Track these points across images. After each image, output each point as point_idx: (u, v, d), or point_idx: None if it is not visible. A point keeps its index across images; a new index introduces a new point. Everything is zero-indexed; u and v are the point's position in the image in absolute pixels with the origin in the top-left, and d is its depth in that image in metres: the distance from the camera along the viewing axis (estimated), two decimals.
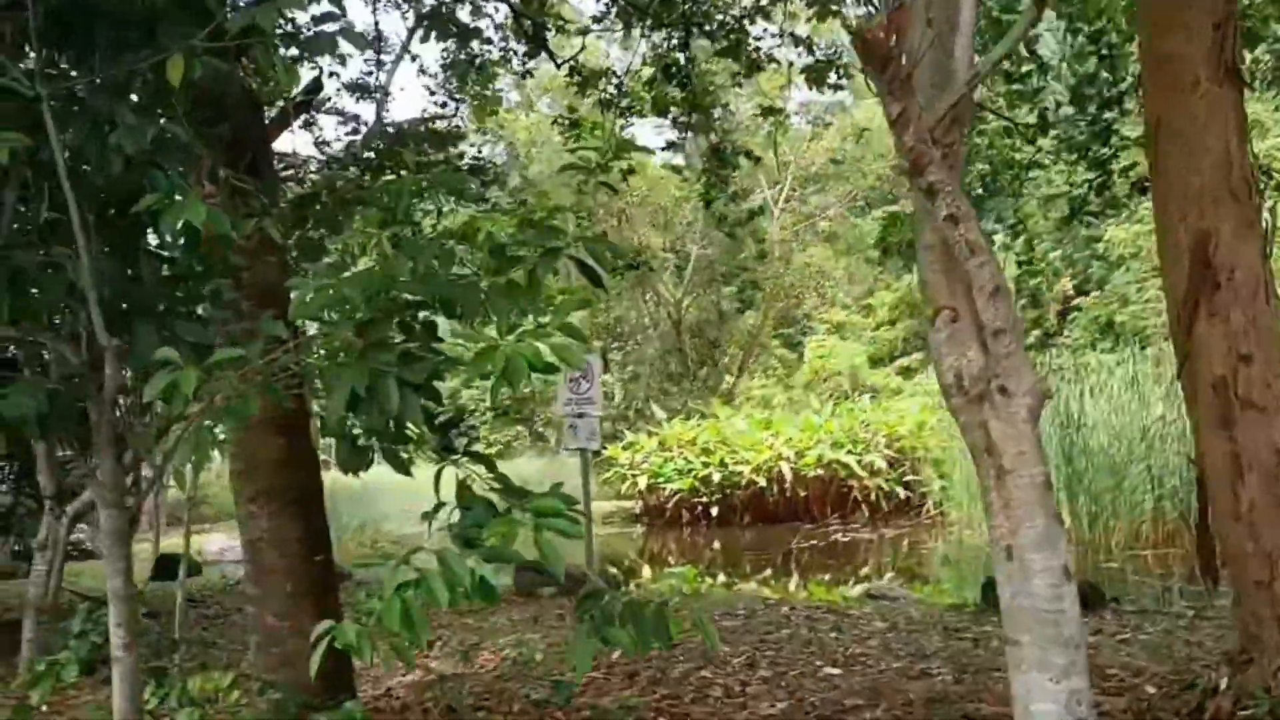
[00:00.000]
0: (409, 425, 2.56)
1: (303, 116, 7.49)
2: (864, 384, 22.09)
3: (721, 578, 11.47)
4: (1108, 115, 8.04)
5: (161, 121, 2.71)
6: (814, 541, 13.89)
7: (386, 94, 9.05)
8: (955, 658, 5.52)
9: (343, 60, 8.41)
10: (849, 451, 16.06)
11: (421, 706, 4.73)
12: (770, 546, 13.45)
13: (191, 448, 2.35)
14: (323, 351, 2.53)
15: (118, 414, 2.88)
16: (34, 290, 2.88)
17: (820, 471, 15.86)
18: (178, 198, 2.48)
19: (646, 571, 12.68)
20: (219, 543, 13.05)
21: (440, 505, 2.55)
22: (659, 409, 19.28)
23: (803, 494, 15.94)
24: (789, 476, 15.75)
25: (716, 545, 14.47)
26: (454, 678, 5.62)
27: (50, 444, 7.02)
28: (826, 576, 11.30)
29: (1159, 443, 11.13)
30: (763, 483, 15.78)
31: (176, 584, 10.61)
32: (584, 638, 2.60)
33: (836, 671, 5.34)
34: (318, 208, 3.74)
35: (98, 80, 2.70)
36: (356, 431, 2.61)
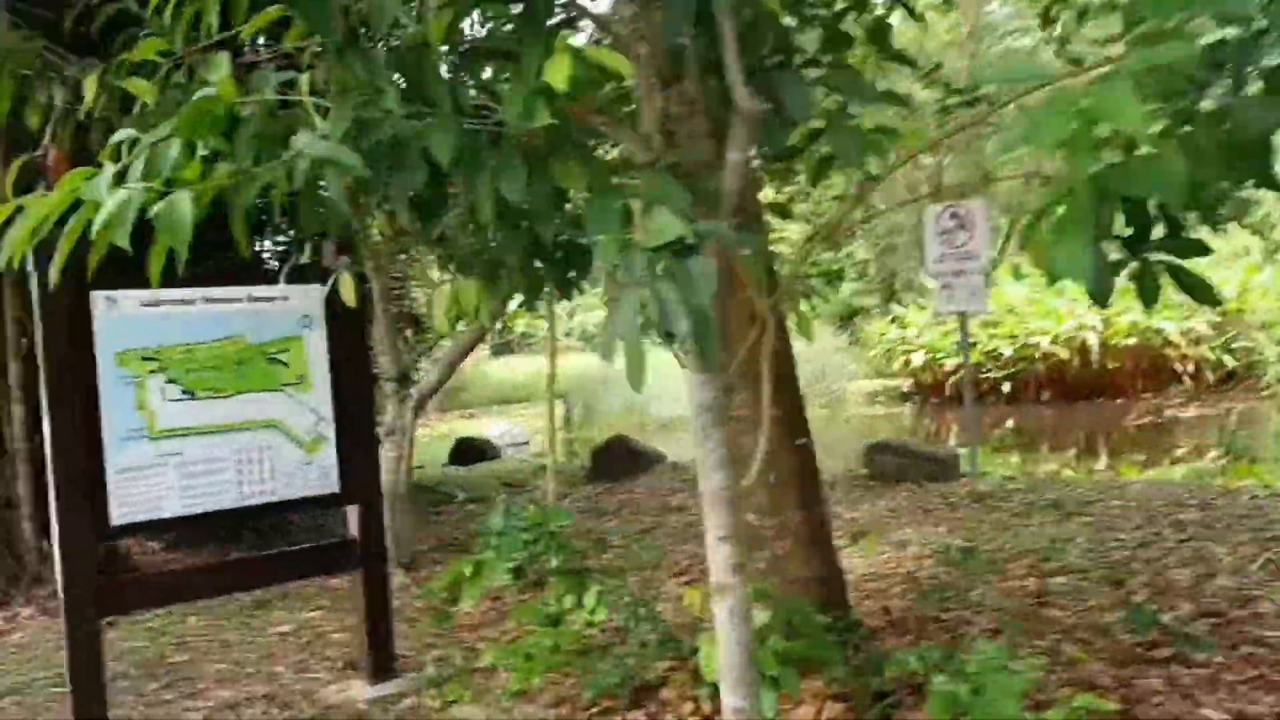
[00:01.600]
0: None
1: None
2: None
3: (1092, 463, 10.00)
4: None
5: None
6: (1149, 417, 12.22)
7: None
8: None
9: None
10: (1165, 317, 14.12)
11: (930, 618, 3.83)
12: (1095, 425, 11.93)
13: None
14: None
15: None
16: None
17: (1132, 340, 14.02)
18: None
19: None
20: (499, 426, 12.86)
21: None
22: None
23: (1111, 366, 14.19)
24: (1095, 347, 14.01)
25: (1010, 424, 13.04)
26: (888, 577, 4.74)
27: (390, 325, 6.57)
28: (1216, 459, 9.66)
29: None
30: (1064, 355, 14.13)
31: (480, 466, 10.33)
32: None
33: None
34: None
35: None
36: None
